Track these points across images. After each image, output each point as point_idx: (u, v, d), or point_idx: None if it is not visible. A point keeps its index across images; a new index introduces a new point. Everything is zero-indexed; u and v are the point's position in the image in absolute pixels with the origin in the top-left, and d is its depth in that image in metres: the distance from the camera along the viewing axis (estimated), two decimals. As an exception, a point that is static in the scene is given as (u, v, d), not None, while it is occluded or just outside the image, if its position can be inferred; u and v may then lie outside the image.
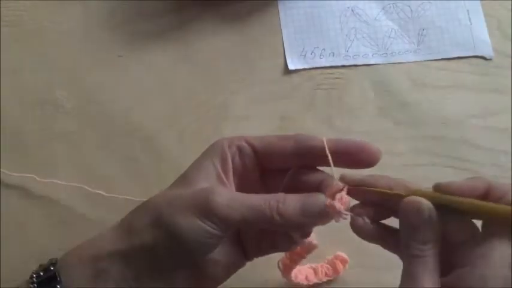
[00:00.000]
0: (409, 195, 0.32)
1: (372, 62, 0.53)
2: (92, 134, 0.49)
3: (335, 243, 0.44)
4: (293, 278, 0.42)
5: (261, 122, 0.50)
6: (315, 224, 0.35)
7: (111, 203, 0.46)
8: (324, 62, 0.52)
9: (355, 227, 0.34)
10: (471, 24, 0.54)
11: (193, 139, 0.49)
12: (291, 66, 0.52)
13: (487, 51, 0.53)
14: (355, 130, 0.50)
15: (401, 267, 0.31)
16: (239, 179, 0.36)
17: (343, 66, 0.52)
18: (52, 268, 0.33)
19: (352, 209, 0.34)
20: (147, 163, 0.48)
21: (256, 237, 0.36)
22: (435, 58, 0.53)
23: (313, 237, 0.39)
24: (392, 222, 0.34)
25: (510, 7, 0.54)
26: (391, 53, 0.53)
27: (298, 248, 0.40)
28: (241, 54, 0.53)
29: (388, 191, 0.33)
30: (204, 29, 0.53)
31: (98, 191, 0.46)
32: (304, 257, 0.40)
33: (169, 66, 0.52)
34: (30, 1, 0.54)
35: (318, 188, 0.35)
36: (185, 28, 0.53)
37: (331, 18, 0.54)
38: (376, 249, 0.34)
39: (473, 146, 0.49)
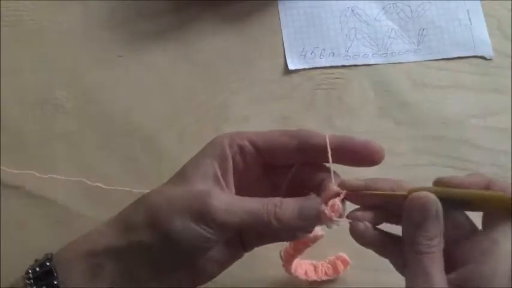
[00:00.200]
0: (412, 192, 0.32)
1: (372, 62, 0.53)
2: (92, 134, 0.49)
3: (336, 244, 0.44)
4: (293, 270, 0.42)
5: (261, 122, 0.50)
6: (313, 227, 0.35)
7: (111, 201, 0.46)
8: (324, 62, 0.52)
9: (356, 232, 0.33)
10: (471, 24, 0.54)
11: (193, 139, 0.49)
12: (291, 66, 0.52)
13: (487, 51, 0.53)
14: (355, 130, 0.50)
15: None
16: (240, 177, 0.36)
17: (343, 66, 0.52)
18: (48, 263, 0.33)
19: (351, 214, 0.34)
20: (147, 163, 0.48)
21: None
22: (435, 58, 0.53)
23: (318, 229, 0.39)
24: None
25: (510, 7, 0.54)
26: (391, 53, 0.53)
27: (306, 237, 0.39)
28: (241, 54, 0.53)
29: (391, 193, 0.33)
30: (204, 29, 0.53)
31: (97, 184, 0.46)
32: (309, 246, 0.40)
33: (169, 66, 0.52)
34: (30, 1, 0.54)
35: (319, 187, 0.35)
36: (185, 28, 0.53)
37: (331, 18, 0.54)
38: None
39: (473, 146, 0.49)
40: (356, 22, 0.54)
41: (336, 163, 0.35)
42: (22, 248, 0.45)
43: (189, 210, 0.32)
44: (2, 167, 0.47)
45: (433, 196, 0.31)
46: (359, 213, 0.34)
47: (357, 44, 0.53)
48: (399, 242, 0.32)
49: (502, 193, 0.30)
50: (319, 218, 0.33)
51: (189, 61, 0.52)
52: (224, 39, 0.53)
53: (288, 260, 0.41)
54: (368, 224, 0.33)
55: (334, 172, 0.35)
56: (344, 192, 0.33)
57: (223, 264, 0.36)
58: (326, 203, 0.33)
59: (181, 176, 0.35)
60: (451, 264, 0.31)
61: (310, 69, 0.52)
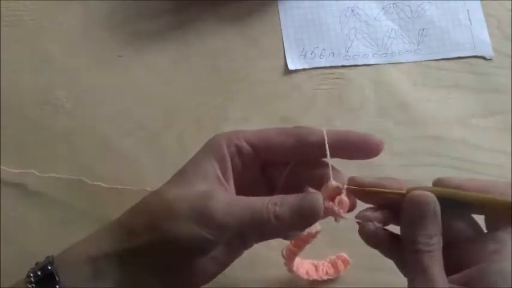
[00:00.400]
0: (411, 191, 0.32)
1: (372, 62, 0.53)
2: (92, 134, 0.49)
3: (337, 244, 0.44)
4: (294, 269, 0.42)
5: (261, 122, 0.50)
6: (313, 223, 0.35)
7: (111, 200, 0.46)
8: (324, 62, 0.52)
9: (365, 233, 0.33)
10: (471, 24, 0.54)
11: (193, 139, 0.49)
12: (291, 66, 0.52)
13: (487, 51, 0.53)
14: (355, 130, 0.50)
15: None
16: (239, 176, 0.36)
17: (343, 66, 0.52)
18: (49, 267, 0.33)
19: (360, 214, 0.34)
20: (147, 163, 0.48)
21: None
22: (435, 58, 0.53)
23: (316, 224, 0.39)
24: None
25: (510, 7, 0.54)
26: (391, 53, 0.53)
27: (303, 234, 0.39)
28: (241, 54, 0.53)
29: (389, 190, 0.33)
30: (204, 29, 0.53)
31: (97, 183, 0.46)
32: (309, 242, 0.40)
33: (169, 66, 0.52)
34: (30, 1, 0.54)
35: (319, 182, 0.35)
36: (185, 28, 0.53)
37: (331, 18, 0.54)
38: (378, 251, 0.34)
39: (473, 146, 0.49)
40: (356, 22, 0.54)
41: (335, 157, 0.35)
42: (22, 248, 0.45)
43: (190, 213, 0.32)
44: (2, 167, 0.47)
45: (431, 195, 0.31)
46: (368, 214, 0.34)
47: (357, 44, 0.53)
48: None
49: (503, 198, 0.30)
50: (318, 215, 0.33)
51: (189, 61, 0.52)
52: (224, 39, 0.53)
53: (290, 257, 0.41)
54: (378, 224, 0.33)
55: (334, 167, 0.35)
56: (345, 187, 0.33)
57: (224, 263, 0.36)
58: (330, 199, 0.33)
59: (181, 177, 0.35)
60: (456, 265, 0.31)
61: (310, 69, 0.52)
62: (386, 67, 0.52)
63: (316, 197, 0.33)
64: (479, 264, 0.30)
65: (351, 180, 0.34)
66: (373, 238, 0.33)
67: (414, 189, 0.32)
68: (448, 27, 0.54)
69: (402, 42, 0.53)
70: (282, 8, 0.54)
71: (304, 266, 0.43)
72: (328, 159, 0.34)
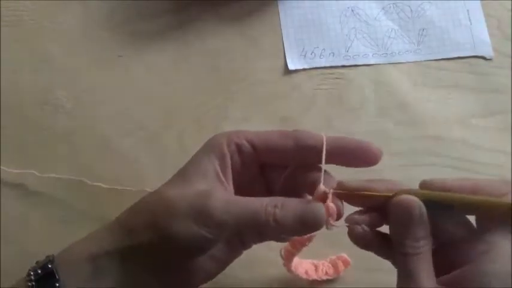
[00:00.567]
0: (397, 194, 0.32)
1: (372, 62, 0.53)
2: (92, 134, 0.49)
3: (337, 244, 0.44)
4: (293, 269, 0.42)
5: (261, 122, 0.50)
6: (312, 232, 0.34)
7: (111, 200, 0.46)
8: (324, 62, 0.52)
9: (354, 236, 0.33)
10: (471, 24, 0.54)
11: (193, 139, 0.49)
12: (291, 66, 0.52)
13: (487, 51, 0.53)
14: (355, 130, 0.50)
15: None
16: (238, 176, 0.36)
17: (343, 66, 0.52)
18: (50, 266, 0.33)
19: (348, 217, 0.34)
20: (147, 163, 0.48)
21: None
22: (435, 58, 0.53)
23: None
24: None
25: (510, 7, 0.54)
26: (391, 53, 0.53)
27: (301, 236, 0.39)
28: (241, 54, 0.53)
29: (377, 193, 0.33)
30: (204, 29, 0.53)
31: (97, 184, 0.46)
32: (306, 245, 0.40)
33: (169, 66, 0.52)
34: (30, 1, 0.54)
35: (313, 187, 0.34)
36: (185, 28, 0.53)
37: (331, 18, 0.54)
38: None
39: (473, 146, 0.49)
40: (356, 22, 0.54)
41: (334, 164, 0.35)
42: (22, 248, 0.45)
43: (189, 211, 0.32)
44: (2, 167, 0.47)
45: (415, 200, 0.31)
46: (356, 217, 0.34)
47: (357, 44, 0.53)
48: None
49: (492, 199, 0.30)
50: (320, 226, 0.33)
51: (189, 61, 0.52)
52: (224, 39, 0.53)
53: (288, 258, 0.41)
54: (366, 227, 0.33)
55: (328, 172, 0.35)
56: (331, 191, 0.33)
57: (223, 263, 0.36)
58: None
59: (182, 176, 0.35)
60: (448, 265, 0.31)
61: (310, 69, 0.52)
62: (386, 67, 0.52)
63: (319, 207, 0.33)
64: (468, 265, 0.30)
65: (339, 185, 0.34)
66: (361, 240, 0.33)
67: (401, 192, 0.32)
68: (448, 27, 0.54)
69: (402, 42, 0.53)
70: (282, 8, 0.54)
71: (304, 265, 0.43)
72: (323, 164, 0.34)
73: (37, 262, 0.34)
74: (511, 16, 0.54)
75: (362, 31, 0.54)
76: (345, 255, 0.44)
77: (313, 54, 0.53)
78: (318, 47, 0.53)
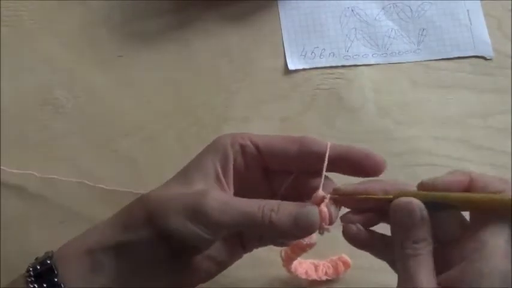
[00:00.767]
0: (397, 197, 0.32)
1: (372, 62, 0.53)
2: (92, 134, 0.49)
3: (339, 245, 0.43)
4: (293, 270, 0.42)
5: (261, 122, 0.50)
6: (308, 235, 0.35)
7: (111, 201, 0.46)
8: (324, 62, 0.52)
9: (348, 235, 0.33)
10: (471, 24, 0.54)
11: (193, 139, 0.49)
12: (291, 66, 0.52)
13: (487, 51, 0.53)
14: (355, 130, 0.50)
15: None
16: (241, 178, 0.36)
17: (343, 66, 0.52)
18: (49, 261, 0.33)
19: (343, 216, 0.34)
20: (147, 163, 0.48)
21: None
22: (435, 58, 0.53)
23: (314, 235, 0.39)
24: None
25: (510, 7, 0.54)
26: (391, 53, 0.53)
27: (299, 242, 0.39)
28: (241, 54, 0.53)
29: (376, 197, 0.33)
30: (204, 29, 0.53)
31: (99, 185, 0.46)
32: (306, 251, 0.40)
33: (169, 66, 0.52)
34: (30, 1, 0.54)
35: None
36: (185, 28, 0.53)
37: (331, 18, 0.54)
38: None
39: (473, 146, 0.49)
40: (356, 22, 0.54)
41: (337, 172, 0.35)
42: (22, 248, 0.45)
43: (185, 209, 0.32)
44: (2, 167, 0.47)
45: (416, 202, 0.31)
46: (351, 216, 0.34)
47: (357, 44, 0.53)
48: (390, 241, 0.33)
49: (491, 195, 0.30)
50: (314, 229, 0.33)
51: (189, 61, 0.52)
52: (224, 39, 0.53)
53: (287, 260, 0.41)
54: (360, 226, 0.33)
55: (329, 178, 0.35)
56: (328, 196, 0.33)
57: (223, 264, 0.36)
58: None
59: (184, 175, 0.35)
60: (443, 265, 0.31)
61: (310, 69, 0.52)
62: (386, 67, 0.52)
63: (314, 209, 0.33)
64: (461, 263, 0.30)
65: (336, 191, 0.34)
66: (356, 239, 0.33)
67: (401, 194, 0.32)
68: (448, 27, 0.54)
69: (402, 42, 0.53)
70: (282, 8, 0.54)
71: (304, 265, 0.43)
72: (323, 170, 0.34)
73: (36, 258, 0.35)
74: (511, 16, 0.54)
75: (362, 31, 0.54)
76: (345, 256, 0.44)
77: (313, 54, 0.53)
78: (318, 47, 0.53)
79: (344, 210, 0.35)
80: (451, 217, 0.32)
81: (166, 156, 0.49)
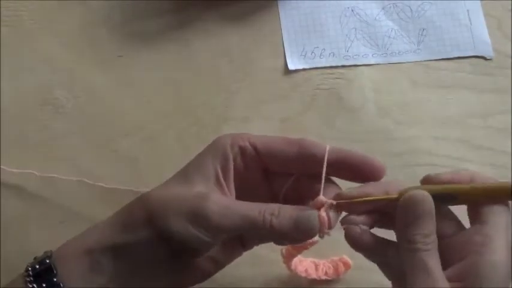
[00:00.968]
0: (403, 194, 0.32)
1: (372, 62, 0.53)
2: (92, 134, 0.49)
3: (340, 245, 0.43)
4: (293, 267, 0.42)
5: (261, 122, 0.50)
6: (309, 238, 0.35)
7: (111, 201, 0.46)
8: (324, 62, 0.52)
9: (351, 237, 0.33)
10: (471, 24, 0.54)
11: (193, 139, 0.49)
12: (291, 66, 0.52)
13: (487, 51, 0.53)
14: (355, 130, 0.50)
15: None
16: (240, 179, 0.36)
17: (343, 66, 0.52)
18: (48, 261, 0.33)
19: (345, 219, 0.34)
20: (147, 163, 0.48)
21: None
22: (435, 58, 0.53)
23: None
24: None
25: (510, 7, 0.54)
26: (391, 53, 0.53)
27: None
28: (242, 55, 0.53)
29: (382, 197, 0.33)
30: (204, 29, 0.53)
31: (99, 184, 0.46)
32: (307, 248, 0.40)
33: (169, 66, 0.52)
34: (30, 1, 0.54)
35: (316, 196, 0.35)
36: (185, 28, 0.53)
37: (331, 18, 0.54)
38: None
39: (473, 146, 0.49)
40: (356, 22, 0.54)
41: (336, 177, 0.35)
42: (22, 248, 0.45)
43: (186, 212, 0.32)
44: (2, 167, 0.47)
45: (426, 193, 0.31)
46: (353, 218, 0.34)
47: (357, 44, 0.53)
48: (389, 244, 0.33)
49: (503, 182, 0.31)
50: (314, 233, 0.33)
51: (189, 61, 0.52)
52: (224, 39, 0.53)
53: (288, 257, 0.42)
54: (364, 227, 0.33)
55: (332, 181, 0.35)
56: (328, 202, 0.33)
57: (222, 262, 0.36)
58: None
59: (183, 176, 0.35)
60: (443, 260, 0.31)
61: (310, 69, 0.52)
62: (386, 67, 0.52)
63: (314, 213, 0.33)
64: (469, 257, 0.30)
65: (338, 196, 0.34)
66: (359, 242, 0.33)
67: (406, 191, 0.32)
68: (448, 27, 0.54)
69: (402, 42, 0.53)
70: (282, 8, 0.54)
71: (304, 264, 0.43)
72: (323, 172, 0.34)
73: (35, 258, 0.35)
74: (511, 16, 0.54)
75: (362, 31, 0.54)
76: (346, 257, 0.44)
77: (313, 54, 0.53)
78: (318, 47, 0.53)
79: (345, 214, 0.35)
80: (445, 215, 0.33)
81: (166, 156, 0.49)
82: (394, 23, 0.54)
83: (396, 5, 0.54)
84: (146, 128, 0.50)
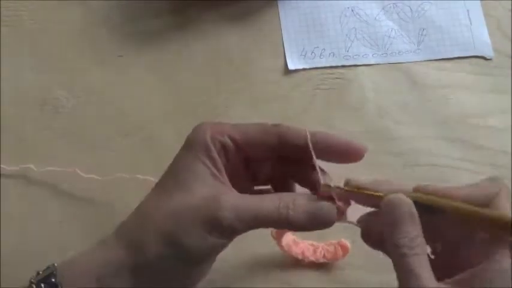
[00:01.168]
0: (387, 195, 0.32)
1: (372, 62, 0.53)
2: (92, 134, 0.49)
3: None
4: (284, 246, 0.42)
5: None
6: (321, 229, 0.35)
7: (111, 200, 0.46)
8: (324, 62, 0.52)
9: (367, 236, 0.34)
10: (471, 24, 0.54)
11: (193, 139, 0.49)
12: (291, 66, 0.52)
13: (487, 51, 0.53)
14: (355, 130, 0.50)
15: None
16: (226, 173, 0.35)
17: (343, 66, 0.52)
18: (53, 280, 0.32)
19: (361, 218, 0.34)
20: (147, 163, 0.48)
21: None
22: (435, 58, 0.53)
23: None
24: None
25: (510, 7, 0.54)
26: (391, 53, 0.53)
27: None
28: (241, 55, 0.53)
29: (370, 193, 0.33)
30: (204, 29, 0.53)
31: (91, 175, 0.46)
32: None
33: (169, 66, 0.52)
34: (30, 1, 0.54)
35: (302, 177, 0.36)
36: (185, 28, 0.53)
37: (331, 18, 0.54)
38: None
39: (473, 146, 0.49)
40: (356, 22, 0.54)
41: (317, 159, 0.35)
42: (22, 248, 0.45)
43: (201, 222, 0.32)
44: (2, 166, 0.47)
45: (403, 197, 0.31)
46: (369, 217, 0.34)
47: (357, 44, 0.53)
48: None
49: (489, 211, 0.30)
50: (331, 224, 0.33)
51: (189, 61, 0.52)
52: (224, 39, 0.53)
53: (279, 237, 0.42)
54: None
55: (321, 169, 0.35)
56: (335, 187, 0.33)
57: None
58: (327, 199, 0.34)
59: (180, 185, 0.34)
60: (455, 267, 0.31)
61: (310, 69, 0.52)
62: (386, 67, 0.52)
63: (330, 206, 0.33)
64: (483, 263, 0.30)
65: (348, 182, 0.34)
66: (375, 240, 0.33)
67: (391, 192, 0.32)
68: (448, 27, 0.54)
69: (402, 42, 0.53)
70: (282, 8, 0.54)
71: (301, 246, 0.43)
72: (315, 160, 0.34)
73: (38, 273, 0.33)
74: (511, 16, 0.54)
75: (362, 31, 0.54)
76: (344, 240, 0.44)
77: (313, 54, 0.53)
78: (318, 47, 0.53)
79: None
80: (451, 223, 0.32)
81: (166, 156, 0.48)
82: (394, 23, 0.54)
83: (396, 5, 0.54)
84: (146, 128, 0.50)
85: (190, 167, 0.34)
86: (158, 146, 0.49)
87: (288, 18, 0.54)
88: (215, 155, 0.34)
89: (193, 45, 0.53)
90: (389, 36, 0.53)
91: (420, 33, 0.53)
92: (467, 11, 0.54)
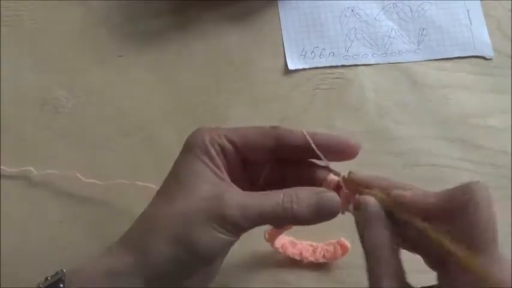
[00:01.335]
0: (363, 194, 0.33)
1: (372, 62, 0.53)
2: (92, 134, 0.49)
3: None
4: (279, 248, 0.43)
5: (261, 122, 0.49)
6: (325, 221, 0.35)
7: (111, 200, 0.46)
8: (324, 62, 0.52)
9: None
10: (471, 24, 0.54)
11: (193, 139, 0.49)
12: (291, 66, 0.52)
13: (487, 51, 0.53)
14: (355, 130, 0.50)
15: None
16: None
17: (343, 66, 0.52)
18: (62, 285, 0.32)
19: None
20: (147, 163, 0.48)
21: None
22: (435, 58, 0.53)
23: None
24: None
25: (510, 7, 0.54)
26: (391, 53, 0.53)
27: None
28: (241, 55, 0.53)
29: (362, 190, 0.33)
30: (204, 29, 0.53)
31: (91, 180, 0.46)
32: (289, 228, 0.41)
33: (169, 66, 0.52)
34: (30, 1, 0.54)
35: (300, 177, 0.36)
36: (185, 28, 0.53)
37: (331, 18, 0.54)
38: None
39: (473, 146, 0.49)
40: (356, 22, 0.54)
41: (313, 158, 0.36)
42: (22, 248, 0.45)
43: (209, 221, 0.32)
44: (2, 167, 0.47)
45: (371, 199, 0.32)
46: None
47: (357, 44, 0.53)
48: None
49: (465, 254, 0.29)
50: (335, 214, 0.33)
51: (189, 61, 0.52)
52: (224, 39, 0.53)
53: (271, 238, 0.42)
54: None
55: (316, 165, 0.36)
56: (341, 177, 0.34)
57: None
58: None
59: (181, 186, 0.34)
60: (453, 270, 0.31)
61: (310, 69, 0.52)
62: (386, 67, 0.52)
63: (334, 196, 0.33)
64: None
65: (350, 175, 0.34)
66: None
67: (365, 193, 0.33)
68: (448, 27, 0.54)
69: (402, 42, 0.53)
70: (282, 8, 0.54)
71: (299, 247, 0.43)
72: (322, 157, 0.35)
73: (47, 279, 0.33)
74: (511, 16, 0.54)
75: (362, 31, 0.54)
76: (344, 239, 0.44)
77: (313, 54, 0.53)
78: (318, 47, 0.53)
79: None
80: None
81: (167, 156, 0.48)
82: (394, 22, 0.54)
83: (396, 5, 0.54)
84: (146, 128, 0.50)
85: (190, 167, 0.35)
86: (158, 146, 0.49)
87: (288, 18, 0.54)
88: (214, 154, 0.35)
89: (193, 45, 0.53)
90: (389, 36, 0.53)
91: (420, 33, 0.54)
92: (467, 11, 0.54)
